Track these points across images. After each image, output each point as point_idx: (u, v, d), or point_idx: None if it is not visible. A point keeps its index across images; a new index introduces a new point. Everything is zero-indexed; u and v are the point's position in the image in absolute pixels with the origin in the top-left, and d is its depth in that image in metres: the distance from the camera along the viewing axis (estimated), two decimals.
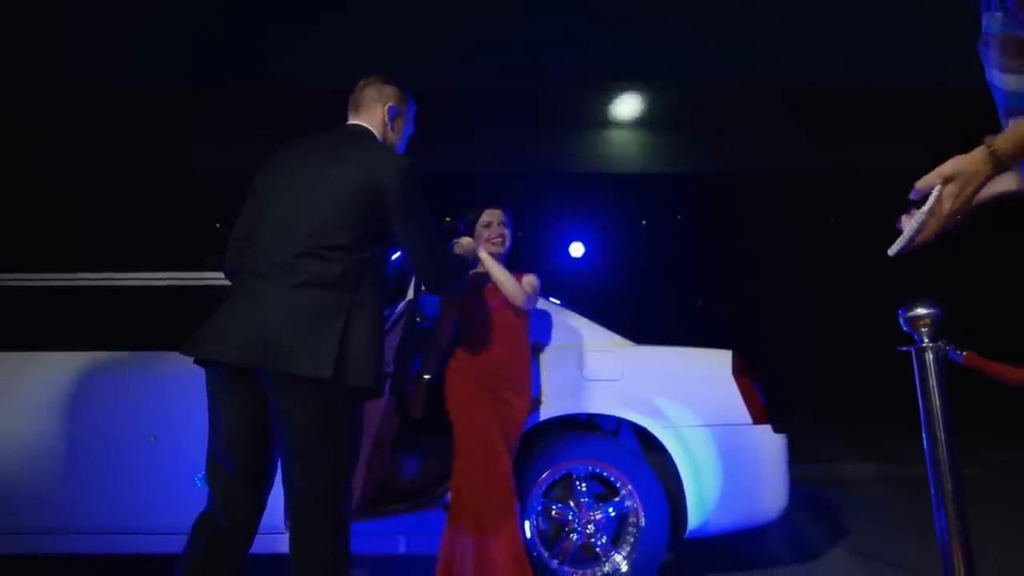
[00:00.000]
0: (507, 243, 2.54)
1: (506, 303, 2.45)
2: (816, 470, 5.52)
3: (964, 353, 1.08)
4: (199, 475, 2.47)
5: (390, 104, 1.86)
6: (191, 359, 1.69)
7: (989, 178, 1.07)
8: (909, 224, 1.11)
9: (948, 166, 1.07)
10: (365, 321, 1.64)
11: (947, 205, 1.08)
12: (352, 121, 1.88)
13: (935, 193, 1.08)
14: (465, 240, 2.35)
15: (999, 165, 1.05)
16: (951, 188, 1.07)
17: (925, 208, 1.09)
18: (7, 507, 2.45)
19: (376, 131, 1.84)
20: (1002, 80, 1.08)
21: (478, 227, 2.52)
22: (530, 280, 2.52)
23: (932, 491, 1.10)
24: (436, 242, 1.78)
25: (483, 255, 2.43)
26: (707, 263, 14.33)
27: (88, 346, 2.60)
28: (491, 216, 2.52)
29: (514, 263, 2.60)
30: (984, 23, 1.13)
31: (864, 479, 5.46)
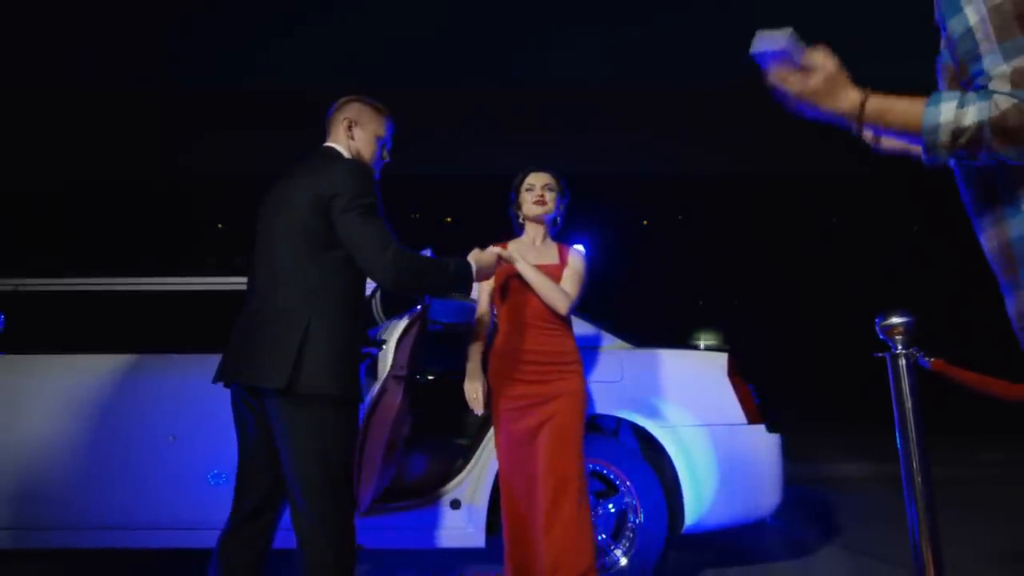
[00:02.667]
0: (554, 208, 2.37)
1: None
2: (811, 469, 5.62)
3: (932, 360, 1.18)
4: (213, 473, 2.57)
5: (347, 117, 1.96)
6: (207, 363, 1.88)
7: (837, 116, 1.08)
8: (776, 35, 1.07)
9: (831, 62, 1.07)
10: (327, 330, 1.73)
11: (800, 86, 1.08)
12: (324, 144, 1.99)
13: (807, 55, 1.07)
14: (485, 252, 2.10)
15: (859, 119, 1.07)
16: (816, 77, 1.07)
17: (798, 44, 1.06)
18: (35, 504, 2.56)
19: (341, 147, 1.94)
20: None
21: (522, 191, 2.39)
22: (575, 266, 2.35)
23: (904, 485, 1.20)
24: (380, 240, 1.75)
25: (521, 266, 2.26)
26: (707, 265, 14.41)
27: (112, 349, 2.72)
28: (535, 179, 2.38)
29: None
30: (941, 47, 1.21)
31: (857, 478, 5.56)
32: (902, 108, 1.06)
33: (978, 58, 1.02)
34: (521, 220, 2.43)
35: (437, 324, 3.71)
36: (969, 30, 1.02)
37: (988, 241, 1.13)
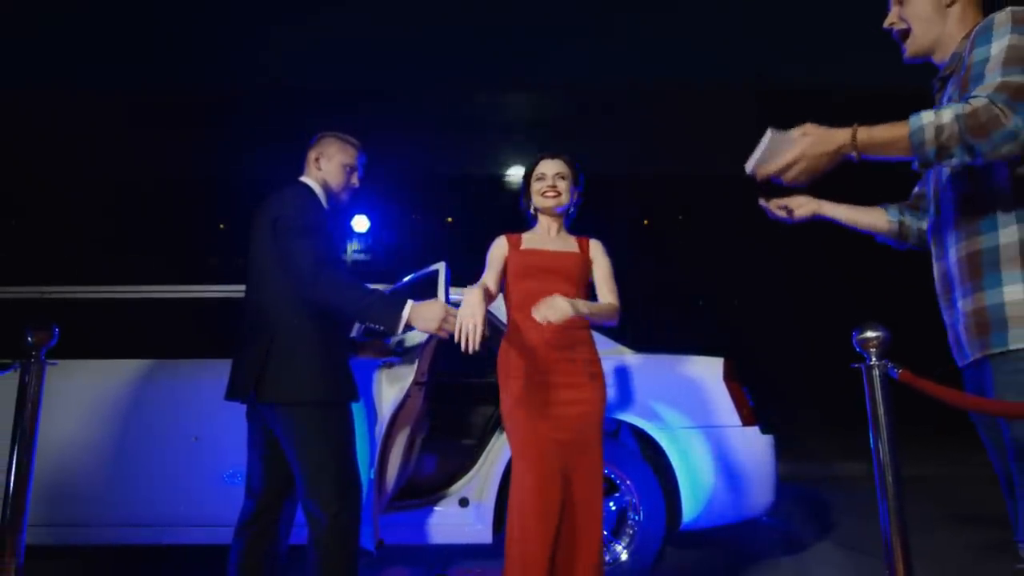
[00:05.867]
0: (568, 199, 2.17)
1: (561, 278, 2.08)
2: (808, 469, 5.73)
3: (900, 370, 1.31)
4: (231, 472, 2.70)
5: (316, 152, 2.12)
6: (228, 367, 2.03)
7: (838, 158, 1.26)
8: (760, 144, 1.27)
9: (811, 126, 1.27)
10: (291, 342, 1.88)
11: (796, 150, 1.26)
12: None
13: (792, 135, 1.26)
14: (435, 304, 1.90)
15: (854, 148, 1.24)
16: (804, 140, 1.26)
17: (779, 134, 1.25)
18: (68, 503, 2.69)
19: (310, 180, 2.09)
20: None
21: (532, 180, 2.20)
22: (605, 266, 2.17)
23: (876, 483, 1.33)
24: (306, 256, 1.83)
25: (569, 309, 1.85)
26: (707, 265, 14.49)
27: (138, 354, 2.86)
28: (545, 168, 2.18)
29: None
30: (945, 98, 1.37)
31: (853, 477, 5.66)
32: (889, 127, 1.24)
33: (981, 77, 1.21)
34: (533, 211, 2.22)
35: None
36: (985, 60, 1.22)
37: (956, 253, 1.29)
